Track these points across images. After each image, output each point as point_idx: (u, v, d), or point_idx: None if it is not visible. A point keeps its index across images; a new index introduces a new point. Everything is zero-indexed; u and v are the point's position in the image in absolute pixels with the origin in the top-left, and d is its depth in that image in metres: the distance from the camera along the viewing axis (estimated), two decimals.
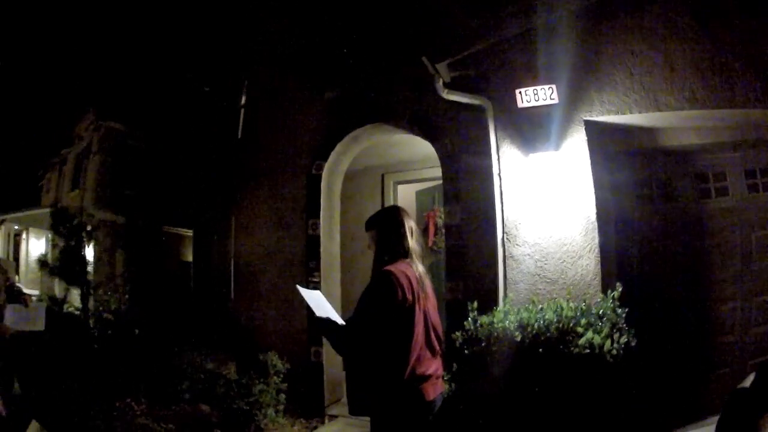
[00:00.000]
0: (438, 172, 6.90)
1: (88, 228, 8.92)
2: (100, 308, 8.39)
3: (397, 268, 3.24)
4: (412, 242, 3.42)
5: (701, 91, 5.19)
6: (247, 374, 6.52)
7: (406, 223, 3.47)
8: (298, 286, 3.55)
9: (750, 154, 5.62)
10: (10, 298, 5.97)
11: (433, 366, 3.29)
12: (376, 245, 3.48)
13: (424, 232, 9.04)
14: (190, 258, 10.48)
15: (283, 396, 6.65)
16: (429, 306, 3.35)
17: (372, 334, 3.13)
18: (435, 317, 3.40)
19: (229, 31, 9.39)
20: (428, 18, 6.68)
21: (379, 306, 3.15)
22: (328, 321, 3.32)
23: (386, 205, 9.23)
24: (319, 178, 7.65)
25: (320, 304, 3.46)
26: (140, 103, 11.53)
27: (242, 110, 9.06)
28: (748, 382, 3.22)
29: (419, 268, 3.35)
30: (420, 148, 7.52)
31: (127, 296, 9.11)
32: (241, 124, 8.96)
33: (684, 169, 5.85)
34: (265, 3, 8.72)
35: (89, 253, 8.90)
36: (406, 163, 9.23)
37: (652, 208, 5.87)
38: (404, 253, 3.37)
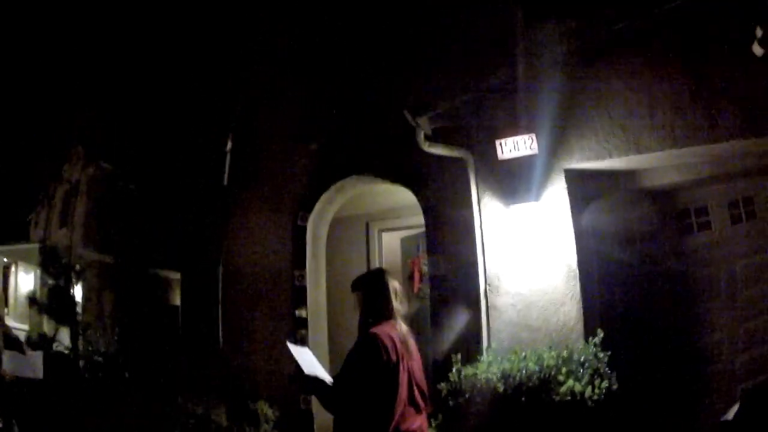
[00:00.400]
0: (420, 220, 7.05)
1: (77, 267, 8.99)
2: (90, 349, 8.44)
3: (382, 330, 3.40)
4: (396, 304, 3.58)
5: (682, 129, 5.32)
6: (238, 421, 6.56)
7: (390, 285, 3.63)
8: (288, 343, 3.70)
9: (732, 185, 5.73)
10: (6, 344, 6.02)
11: (417, 422, 3.43)
12: (361, 306, 3.65)
13: (409, 278, 9.17)
14: (177, 301, 10.50)
15: None
16: (413, 364, 3.49)
17: (358, 393, 3.28)
18: (419, 375, 3.55)
19: (218, 76, 9.55)
20: (409, 71, 6.88)
21: (365, 367, 3.31)
22: (315, 380, 3.48)
23: (371, 252, 9.40)
24: (304, 229, 7.76)
25: (308, 360, 3.63)
26: (129, 144, 11.62)
27: (228, 156, 9.19)
28: (731, 414, 3.35)
29: (403, 328, 3.51)
30: (403, 196, 7.62)
31: (116, 338, 9.14)
32: (227, 171, 9.08)
33: (665, 208, 5.98)
34: (254, 49, 8.89)
35: (78, 292, 8.96)
36: (391, 211, 9.33)
37: (634, 250, 5.99)
38: (388, 315, 3.53)
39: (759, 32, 4.89)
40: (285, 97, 8.22)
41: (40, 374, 5.94)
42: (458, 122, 6.36)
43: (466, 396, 4.62)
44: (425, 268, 8.55)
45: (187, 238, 9.43)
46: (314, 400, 7.18)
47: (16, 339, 6.24)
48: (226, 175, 9.00)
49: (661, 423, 5.27)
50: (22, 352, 5.92)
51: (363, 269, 8.80)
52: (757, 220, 5.62)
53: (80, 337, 8.42)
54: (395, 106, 6.35)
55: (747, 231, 5.66)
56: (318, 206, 7.80)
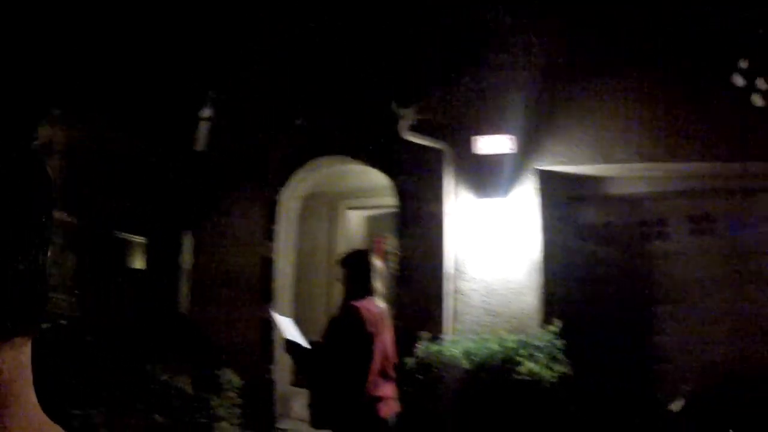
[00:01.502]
0: (388, 200, 7.32)
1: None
2: (52, 312, 8.42)
3: (362, 304, 3.77)
4: (377, 283, 3.95)
5: (651, 146, 5.78)
6: (203, 389, 6.73)
7: (373, 265, 3.99)
8: (272, 312, 4.03)
9: (693, 201, 6.19)
10: None
11: (387, 389, 3.83)
12: (346, 281, 4.01)
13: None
14: (142, 266, 10.50)
15: (238, 410, 6.90)
16: (386, 338, 3.88)
17: (337, 360, 3.67)
18: (391, 348, 3.94)
19: (202, 44, 9.58)
20: (396, 61, 7.12)
21: (345, 336, 3.71)
22: (297, 345, 3.81)
23: (337, 228, 9.64)
24: (276, 202, 7.98)
25: (290, 329, 3.96)
26: (104, 106, 11.50)
27: (202, 123, 9.28)
28: (676, 406, 3.76)
29: (380, 305, 3.90)
30: (373, 177, 7.88)
31: (78, 301, 9.12)
32: (203, 137, 9.16)
33: (629, 215, 6.41)
34: (243, 25, 8.98)
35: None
36: (359, 191, 9.53)
37: (596, 251, 6.40)
38: (370, 292, 3.89)
39: (743, 63, 5.29)
40: (269, 72, 8.36)
41: None
42: (440, 115, 6.67)
43: (433, 371, 4.96)
44: (389, 248, 8.87)
45: (157, 203, 9.49)
46: (277, 370, 7.46)
47: None
48: (199, 142, 9.10)
49: (610, 408, 5.69)
50: None
51: (327, 244, 9.10)
52: (714, 236, 6.08)
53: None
54: (378, 92, 6.69)
55: (703, 245, 6.13)
56: (292, 182, 8.02)
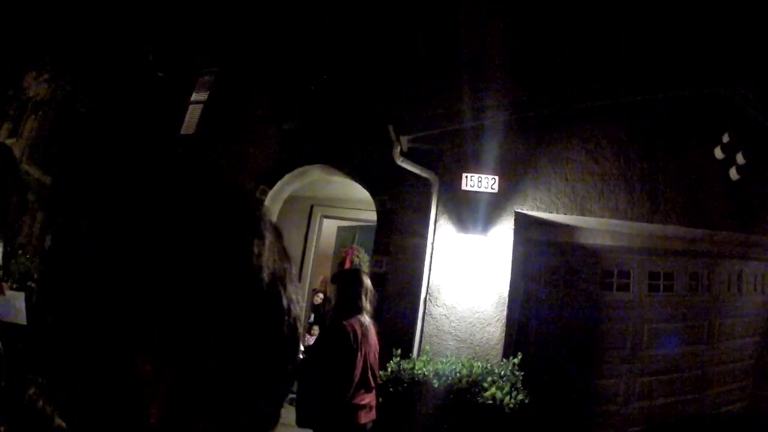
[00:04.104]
0: (361, 214, 7.69)
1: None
2: (21, 272, 8.40)
3: (349, 322, 4.21)
4: (366, 302, 4.38)
5: (626, 204, 6.29)
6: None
7: (364, 285, 4.42)
8: None
9: (657, 258, 6.75)
10: None
11: (367, 398, 4.30)
12: (337, 297, 4.49)
13: (340, 265, 9.78)
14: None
15: None
16: (370, 351, 4.33)
17: (323, 369, 4.11)
18: (374, 360, 4.41)
19: (205, 30, 9.75)
20: (395, 87, 7.53)
21: (331, 350, 4.15)
22: None
23: (310, 233, 9.93)
24: (261, 202, 8.15)
25: None
26: (96, 71, 11.52)
27: (192, 107, 9.47)
28: None
29: (366, 321, 4.34)
30: (352, 190, 8.27)
31: (41, 260, 9.11)
32: (196, 120, 9.34)
33: (593, 263, 6.92)
34: (249, 25, 9.22)
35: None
36: (336, 200, 9.91)
37: (558, 293, 6.92)
38: (359, 309, 4.33)
39: (726, 138, 5.84)
40: (270, 71, 8.67)
41: (23, 319, 5.04)
42: (432, 146, 7.03)
43: (404, 385, 5.41)
44: (357, 260, 9.25)
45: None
46: None
47: None
48: (185, 124, 9.28)
49: None
50: (2, 291, 5.14)
51: (300, 247, 9.38)
52: (673, 294, 6.67)
53: (13, 260, 8.33)
54: (376, 112, 7.06)
55: (661, 301, 6.70)
56: (279, 184, 8.30)
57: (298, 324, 0.71)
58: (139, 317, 0.61)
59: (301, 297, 0.73)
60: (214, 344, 0.63)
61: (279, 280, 0.69)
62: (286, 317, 0.70)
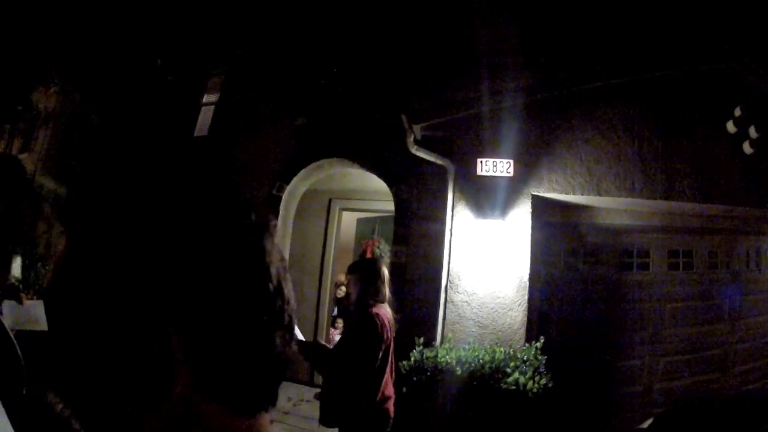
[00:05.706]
0: (381, 205, 7.63)
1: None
2: (40, 283, 8.49)
3: (380, 311, 4.15)
4: (386, 290, 4.34)
5: (642, 183, 6.24)
6: None
7: (383, 274, 4.36)
8: None
9: (676, 236, 6.70)
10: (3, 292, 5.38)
11: (392, 389, 4.27)
12: (359, 288, 4.32)
13: (361, 258, 9.79)
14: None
15: None
16: (392, 340, 4.26)
17: (356, 362, 3.99)
18: (393, 349, 4.33)
19: (213, 31, 9.77)
20: (407, 75, 7.48)
21: (368, 341, 4.02)
22: (310, 344, 4.20)
23: (330, 227, 9.95)
24: (279, 199, 8.22)
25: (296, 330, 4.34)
26: (105, 80, 11.65)
27: (204, 109, 9.50)
28: (645, 424, 4.26)
29: (389, 311, 4.27)
30: (369, 181, 8.24)
31: None
32: (208, 122, 9.37)
33: (612, 244, 6.88)
34: (258, 22, 9.23)
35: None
36: (354, 192, 9.91)
37: (579, 276, 6.90)
38: (382, 299, 4.28)
39: (738, 111, 5.77)
40: (284, 67, 8.67)
41: (44, 325, 5.02)
42: (446, 133, 7.04)
43: (428, 374, 5.41)
44: (378, 252, 9.25)
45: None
46: None
47: (12, 286, 5.36)
48: (198, 127, 9.32)
49: (585, 419, 6.22)
50: (20, 302, 5.08)
51: (320, 241, 9.40)
52: (692, 272, 6.63)
53: (32, 271, 8.44)
54: (389, 102, 7.03)
55: (681, 279, 6.67)
56: (295, 180, 8.30)
57: (294, 316, 0.78)
58: (169, 302, 0.68)
59: (292, 297, 0.80)
60: (231, 331, 0.70)
61: (282, 277, 0.77)
62: (287, 306, 0.77)
